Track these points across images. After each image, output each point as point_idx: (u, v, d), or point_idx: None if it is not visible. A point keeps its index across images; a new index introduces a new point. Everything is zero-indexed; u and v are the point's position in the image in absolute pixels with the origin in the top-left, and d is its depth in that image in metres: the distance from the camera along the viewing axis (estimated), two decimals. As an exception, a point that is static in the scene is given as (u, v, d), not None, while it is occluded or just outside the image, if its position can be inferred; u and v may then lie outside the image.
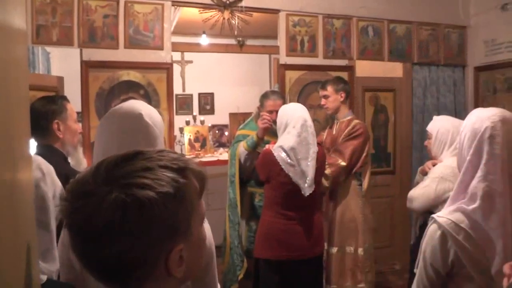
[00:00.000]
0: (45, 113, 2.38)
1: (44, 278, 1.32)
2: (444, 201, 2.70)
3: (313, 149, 3.00)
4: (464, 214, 1.56)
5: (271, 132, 3.48)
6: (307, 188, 2.96)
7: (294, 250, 3.05)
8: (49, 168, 2.02)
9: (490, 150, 1.54)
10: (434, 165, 2.93)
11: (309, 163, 2.95)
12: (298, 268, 3.08)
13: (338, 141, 3.66)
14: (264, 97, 3.67)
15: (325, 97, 3.72)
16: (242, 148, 3.54)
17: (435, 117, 3.09)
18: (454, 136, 2.83)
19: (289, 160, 2.94)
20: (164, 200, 0.80)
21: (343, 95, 3.68)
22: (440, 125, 2.96)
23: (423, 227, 2.89)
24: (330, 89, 3.68)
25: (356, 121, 3.69)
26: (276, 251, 3.06)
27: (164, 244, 0.83)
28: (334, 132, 3.77)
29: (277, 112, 3.54)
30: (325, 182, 3.45)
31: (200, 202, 0.91)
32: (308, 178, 2.95)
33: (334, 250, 3.62)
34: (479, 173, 1.54)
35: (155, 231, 0.80)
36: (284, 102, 3.69)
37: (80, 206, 0.80)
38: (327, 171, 3.44)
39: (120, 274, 0.82)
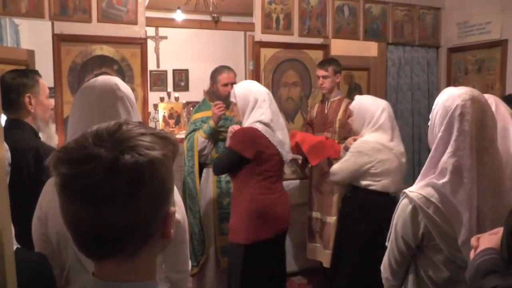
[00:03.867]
0: (16, 86, 2.32)
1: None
2: (364, 173, 3.01)
3: (282, 119, 3.08)
4: (434, 188, 1.62)
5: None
6: (288, 155, 3.02)
7: (282, 222, 3.02)
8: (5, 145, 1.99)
9: (460, 127, 1.59)
10: (355, 140, 3.15)
11: (283, 132, 3.01)
12: (282, 239, 3.09)
13: (331, 121, 3.82)
14: (217, 72, 3.67)
15: (325, 77, 3.81)
16: (201, 138, 3.54)
17: (356, 96, 3.27)
18: (373, 113, 3.09)
19: (271, 132, 2.93)
20: (165, 160, 0.84)
21: (339, 76, 3.86)
22: (360, 102, 3.16)
23: (344, 199, 3.28)
24: (330, 70, 3.81)
25: (346, 100, 3.84)
26: (268, 228, 2.94)
27: (165, 204, 0.86)
28: (326, 111, 3.90)
29: (232, 84, 3.56)
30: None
31: None
32: (286, 145, 3.00)
33: (332, 219, 3.81)
34: (449, 149, 1.60)
35: (161, 190, 0.83)
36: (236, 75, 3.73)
37: (88, 170, 0.77)
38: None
39: (124, 239, 0.82)
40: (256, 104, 2.94)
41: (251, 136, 2.88)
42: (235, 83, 3.65)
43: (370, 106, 3.12)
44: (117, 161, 0.78)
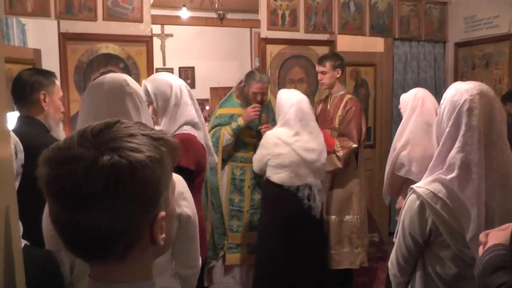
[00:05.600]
0: (32, 82, 2.36)
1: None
2: (266, 165, 3.22)
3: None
4: (442, 184, 1.61)
5: None
6: (213, 159, 2.70)
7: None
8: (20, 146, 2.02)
9: (468, 122, 1.58)
10: None
11: (206, 131, 2.61)
12: None
13: (332, 117, 3.75)
14: (252, 77, 3.57)
15: (323, 73, 3.75)
16: (227, 135, 3.53)
17: (279, 91, 3.44)
18: (283, 108, 3.24)
19: (202, 134, 2.49)
20: (152, 163, 0.80)
21: (339, 71, 3.73)
22: (278, 97, 3.33)
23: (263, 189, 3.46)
24: (328, 65, 3.71)
25: (348, 96, 3.76)
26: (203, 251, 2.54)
27: (151, 209, 0.82)
28: (328, 107, 3.84)
29: (262, 94, 3.54)
30: (338, 163, 3.52)
31: (171, 175, 0.91)
32: (211, 149, 2.64)
33: (332, 218, 3.72)
34: (457, 144, 1.59)
35: (144, 195, 0.80)
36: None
37: (67, 171, 0.76)
38: (340, 153, 3.52)
39: (106, 243, 0.80)
40: (180, 101, 2.40)
41: (188, 143, 2.33)
42: (266, 93, 3.64)
43: (282, 101, 3.28)
44: (95, 162, 0.76)
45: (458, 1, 5.03)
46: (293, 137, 3.18)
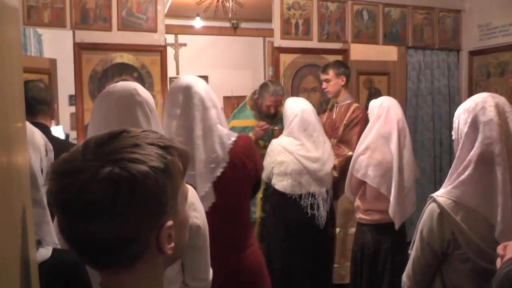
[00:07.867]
0: (50, 96, 2.59)
1: (49, 248, 1.33)
2: (271, 172, 3.24)
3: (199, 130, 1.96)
4: (463, 184, 1.60)
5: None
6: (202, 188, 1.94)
7: None
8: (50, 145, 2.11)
9: (484, 118, 1.60)
10: None
11: (207, 145, 1.97)
12: None
13: (338, 126, 3.72)
14: (266, 90, 3.59)
15: (326, 81, 3.75)
16: None
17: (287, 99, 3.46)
18: (288, 117, 3.26)
19: None
20: (155, 174, 0.79)
21: (344, 79, 3.72)
22: (285, 106, 3.35)
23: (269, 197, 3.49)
24: (331, 73, 3.71)
25: (355, 104, 3.76)
26: None
27: (155, 219, 0.82)
28: (334, 116, 3.82)
29: (275, 106, 3.55)
30: (334, 173, 3.50)
31: (183, 182, 0.90)
32: (202, 175, 1.94)
33: (337, 230, 3.70)
34: (478, 140, 1.60)
35: (146, 206, 0.79)
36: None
37: (69, 183, 0.77)
38: (335, 161, 3.49)
39: (112, 253, 0.80)
40: (165, 111, 2.07)
41: None
42: (280, 105, 3.65)
43: (287, 111, 3.31)
44: (95, 175, 0.76)
45: (472, 9, 4.99)
46: (296, 146, 3.21)
